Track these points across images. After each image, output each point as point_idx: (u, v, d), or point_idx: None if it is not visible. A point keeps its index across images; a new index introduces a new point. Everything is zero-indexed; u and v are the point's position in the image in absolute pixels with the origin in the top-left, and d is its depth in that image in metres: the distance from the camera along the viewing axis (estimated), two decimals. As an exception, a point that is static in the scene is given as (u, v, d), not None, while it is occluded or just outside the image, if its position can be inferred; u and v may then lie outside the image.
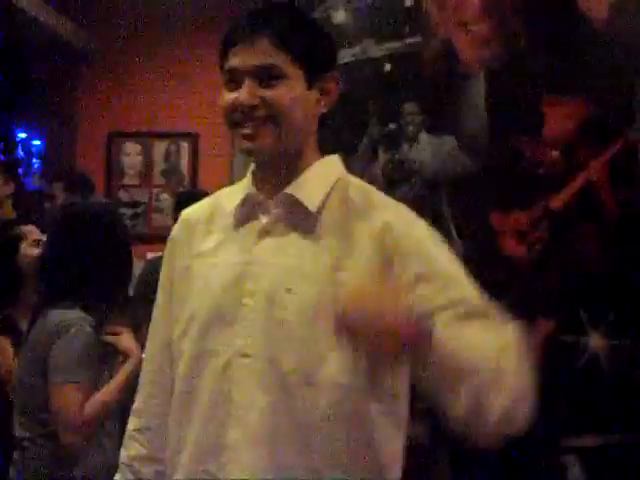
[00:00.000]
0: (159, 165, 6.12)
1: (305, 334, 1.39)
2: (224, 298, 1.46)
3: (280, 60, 1.40)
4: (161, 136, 6.01)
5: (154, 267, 3.97)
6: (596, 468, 2.62)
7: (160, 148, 6.08)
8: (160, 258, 4.33)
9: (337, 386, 1.40)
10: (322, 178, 1.49)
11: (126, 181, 6.18)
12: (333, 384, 1.39)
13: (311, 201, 1.45)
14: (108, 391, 2.40)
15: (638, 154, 2.62)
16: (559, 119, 2.63)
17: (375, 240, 1.42)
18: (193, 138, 5.86)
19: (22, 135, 6.10)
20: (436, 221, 2.72)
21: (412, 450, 2.95)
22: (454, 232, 2.70)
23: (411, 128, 2.71)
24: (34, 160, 6.13)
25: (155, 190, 6.12)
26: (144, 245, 4.89)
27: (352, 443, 1.42)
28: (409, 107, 2.71)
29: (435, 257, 1.44)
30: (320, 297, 1.38)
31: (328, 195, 1.47)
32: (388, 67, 2.79)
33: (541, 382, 2.68)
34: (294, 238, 1.46)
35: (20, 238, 3.05)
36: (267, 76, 1.40)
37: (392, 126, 2.74)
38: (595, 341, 2.62)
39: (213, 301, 1.48)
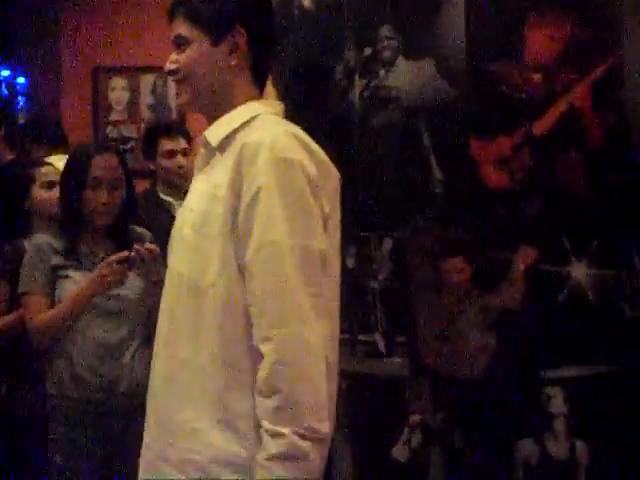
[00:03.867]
0: (147, 99, 6.00)
1: (195, 244, 1.63)
2: (174, 228, 1.78)
3: (185, 29, 1.70)
4: (147, 70, 5.86)
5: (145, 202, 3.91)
6: (579, 399, 2.59)
7: (147, 82, 5.94)
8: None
9: (213, 288, 1.59)
10: (231, 119, 1.69)
11: (113, 117, 6.05)
12: (211, 287, 1.59)
13: (214, 138, 1.69)
14: (55, 310, 2.67)
15: (623, 77, 2.53)
16: (541, 41, 2.54)
17: (234, 159, 1.60)
18: (180, 71, 5.73)
19: (5, 73, 5.96)
20: (415, 149, 2.64)
21: (393, 383, 2.94)
22: (434, 160, 2.62)
23: (387, 53, 2.61)
24: (19, 98, 6.00)
25: (143, 125, 6.00)
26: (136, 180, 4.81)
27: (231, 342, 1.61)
28: (385, 30, 2.60)
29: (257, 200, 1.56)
30: (204, 211, 1.62)
31: (234, 132, 1.67)
32: (363, -11, 2.68)
33: (524, 312, 2.65)
34: (205, 170, 1.73)
35: (31, 179, 3.14)
36: (179, 44, 1.72)
37: (368, 51, 2.64)
38: (578, 270, 2.56)
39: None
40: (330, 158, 1.67)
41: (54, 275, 2.70)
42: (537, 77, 2.53)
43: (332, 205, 1.64)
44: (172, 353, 1.67)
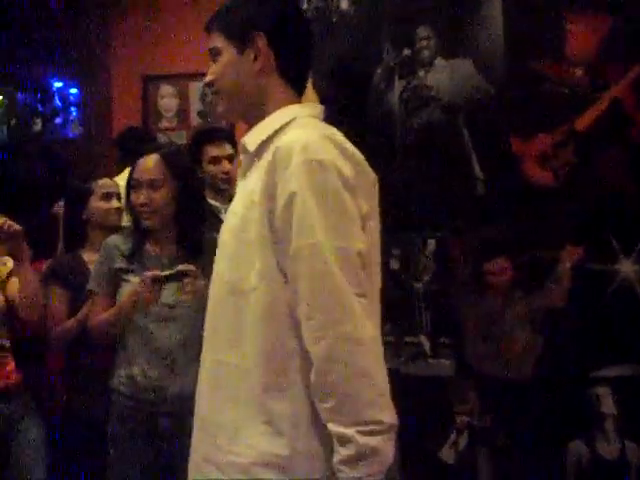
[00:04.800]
0: (196, 106, 6.05)
1: (233, 249, 1.66)
2: (219, 234, 1.80)
3: (217, 41, 1.75)
4: (195, 77, 5.92)
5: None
6: (629, 399, 2.54)
7: (195, 89, 5.99)
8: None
9: (254, 291, 1.61)
10: (268, 124, 1.71)
11: (163, 124, 6.12)
12: (252, 290, 1.62)
13: (251, 144, 1.72)
14: (108, 312, 2.73)
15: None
16: (582, 36, 2.50)
17: (268, 163, 1.61)
18: (228, 77, 5.77)
19: (58, 84, 6.06)
20: (456, 148, 2.63)
21: (439, 384, 2.92)
22: (475, 159, 2.60)
23: (426, 53, 2.59)
24: (72, 109, 6.10)
25: (192, 131, 6.06)
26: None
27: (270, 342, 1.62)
28: (423, 31, 2.58)
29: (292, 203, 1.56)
30: (242, 216, 1.65)
31: (270, 137, 1.68)
32: (401, -10, 2.67)
33: (571, 311, 2.61)
34: (245, 176, 1.75)
35: (90, 192, 3.22)
36: (214, 56, 1.76)
37: (407, 52, 2.62)
38: (626, 268, 2.52)
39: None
40: (372, 159, 1.66)
41: (117, 277, 2.74)
42: (579, 72, 2.49)
43: (370, 205, 1.63)
44: (216, 357, 1.69)
